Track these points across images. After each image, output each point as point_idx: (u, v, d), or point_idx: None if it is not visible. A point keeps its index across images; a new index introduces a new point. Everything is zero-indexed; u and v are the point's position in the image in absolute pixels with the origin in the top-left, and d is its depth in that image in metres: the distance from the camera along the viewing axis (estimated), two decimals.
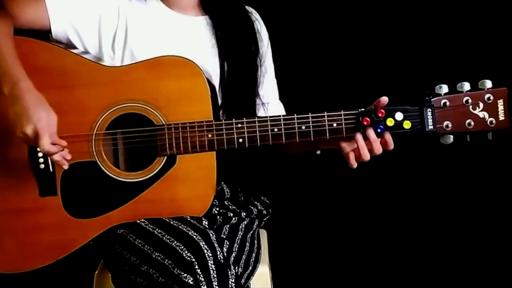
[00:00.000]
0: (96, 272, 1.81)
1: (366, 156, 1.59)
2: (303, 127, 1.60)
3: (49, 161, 1.62)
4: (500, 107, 1.60)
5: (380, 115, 1.58)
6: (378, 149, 1.59)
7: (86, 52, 1.72)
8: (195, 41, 1.76)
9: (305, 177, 2.63)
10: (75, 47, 1.71)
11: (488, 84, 1.60)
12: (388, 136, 1.58)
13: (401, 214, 2.64)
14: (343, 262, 2.63)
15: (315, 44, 2.51)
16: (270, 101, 1.85)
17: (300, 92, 1.86)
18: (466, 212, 2.61)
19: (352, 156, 1.62)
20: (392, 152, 2.25)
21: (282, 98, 1.89)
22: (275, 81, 1.90)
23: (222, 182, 1.73)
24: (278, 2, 2.36)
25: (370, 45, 2.50)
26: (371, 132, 1.57)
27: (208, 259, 1.47)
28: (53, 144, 1.50)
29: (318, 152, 1.69)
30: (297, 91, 1.86)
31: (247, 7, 1.85)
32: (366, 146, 1.58)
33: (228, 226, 1.72)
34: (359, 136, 1.58)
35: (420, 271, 2.61)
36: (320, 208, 2.66)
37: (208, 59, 1.74)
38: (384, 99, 1.60)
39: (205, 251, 1.48)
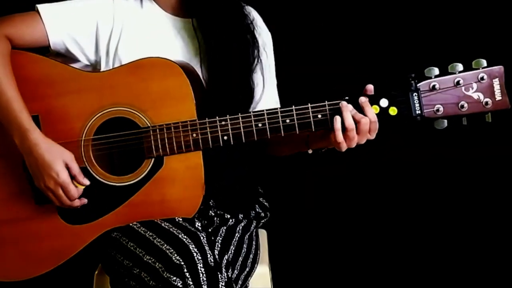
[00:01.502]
0: (96, 272, 1.83)
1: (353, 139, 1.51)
2: (288, 120, 1.56)
3: None
4: (496, 87, 1.52)
5: None
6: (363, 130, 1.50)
7: (89, 61, 1.73)
8: (184, 44, 1.74)
9: (305, 177, 2.60)
10: (76, 59, 1.73)
11: (483, 63, 1.51)
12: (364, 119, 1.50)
13: (402, 215, 2.59)
14: (343, 262, 2.59)
15: (312, 43, 2.48)
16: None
17: (296, 91, 1.83)
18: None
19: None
20: (396, 151, 2.19)
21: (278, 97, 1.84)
22: (275, 83, 1.84)
23: (212, 200, 1.71)
24: (275, 1, 2.33)
25: (367, 44, 2.46)
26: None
27: (197, 262, 1.46)
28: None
29: (310, 151, 1.64)
30: (293, 90, 1.82)
31: (246, 7, 1.77)
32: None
33: (225, 228, 1.70)
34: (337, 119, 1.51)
35: (422, 274, 2.56)
36: (319, 208, 2.62)
37: (196, 62, 1.72)
38: (370, 87, 1.54)
39: (195, 254, 1.47)
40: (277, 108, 1.57)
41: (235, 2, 1.74)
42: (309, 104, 1.55)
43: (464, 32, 2.35)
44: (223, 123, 1.58)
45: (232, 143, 1.58)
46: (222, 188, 1.72)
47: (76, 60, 1.73)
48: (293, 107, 1.55)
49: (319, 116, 1.55)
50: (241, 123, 1.57)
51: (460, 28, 2.37)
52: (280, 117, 1.56)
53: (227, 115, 1.58)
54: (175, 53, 1.69)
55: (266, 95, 1.79)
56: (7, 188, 1.66)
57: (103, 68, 1.72)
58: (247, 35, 1.74)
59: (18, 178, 1.66)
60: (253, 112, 1.57)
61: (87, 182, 1.61)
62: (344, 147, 1.52)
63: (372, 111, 1.50)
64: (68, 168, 1.59)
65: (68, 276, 1.70)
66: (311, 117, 1.55)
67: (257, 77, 1.76)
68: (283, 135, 1.56)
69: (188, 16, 1.76)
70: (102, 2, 1.73)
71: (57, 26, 1.68)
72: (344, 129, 1.50)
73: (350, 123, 1.49)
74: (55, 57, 1.71)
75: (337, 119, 1.50)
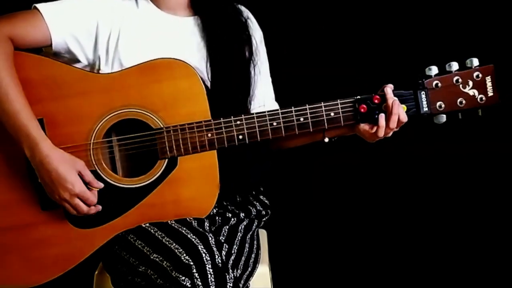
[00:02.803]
0: (96, 272, 1.81)
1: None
2: (302, 119, 1.61)
3: None
4: (489, 84, 1.65)
5: (376, 101, 1.61)
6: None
7: (87, 60, 1.69)
8: (184, 42, 1.74)
9: (303, 176, 2.64)
10: (77, 60, 1.68)
11: (475, 62, 1.64)
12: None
13: (404, 215, 2.64)
14: (344, 261, 2.63)
15: (312, 45, 2.51)
16: (266, 103, 1.81)
17: (297, 93, 1.86)
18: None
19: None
20: (399, 146, 2.26)
21: (279, 99, 1.87)
22: (270, 80, 1.87)
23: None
24: (274, 3, 2.35)
25: (367, 47, 2.52)
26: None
27: (206, 263, 1.48)
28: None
29: (326, 139, 1.69)
30: (293, 93, 1.85)
31: (239, 6, 1.80)
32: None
33: (227, 227, 1.71)
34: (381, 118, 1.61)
35: (422, 273, 2.61)
36: (318, 209, 2.66)
37: (197, 61, 1.72)
38: (390, 87, 1.63)
39: (203, 255, 1.48)
40: (291, 107, 1.62)
41: (230, 1, 1.77)
42: (322, 103, 1.61)
43: (457, 33, 2.46)
44: (238, 122, 1.61)
45: (247, 142, 1.61)
46: (248, 186, 1.75)
47: (74, 60, 1.69)
48: (307, 106, 1.61)
49: (332, 114, 1.62)
50: (256, 122, 1.61)
51: (454, 29, 2.47)
52: (294, 116, 1.61)
53: (242, 115, 1.61)
54: (175, 52, 1.68)
55: (262, 90, 1.82)
56: (12, 194, 1.61)
57: (102, 67, 1.69)
58: (243, 33, 1.77)
59: (22, 184, 1.60)
60: (268, 111, 1.61)
61: (101, 185, 1.59)
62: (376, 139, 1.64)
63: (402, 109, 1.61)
64: (81, 175, 1.56)
65: (68, 276, 1.65)
66: (324, 115, 1.61)
67: (253, 72, 1.78)
68: (297, 133, 1.62)
69: (186, 15, 1.76)
70: (101, 1, 1.69)
71: (59, 26, 1.63)
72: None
73: (394, 123, 1.59)
74: (56, 58, 1.66)
75: (383, 116, 1.59)
